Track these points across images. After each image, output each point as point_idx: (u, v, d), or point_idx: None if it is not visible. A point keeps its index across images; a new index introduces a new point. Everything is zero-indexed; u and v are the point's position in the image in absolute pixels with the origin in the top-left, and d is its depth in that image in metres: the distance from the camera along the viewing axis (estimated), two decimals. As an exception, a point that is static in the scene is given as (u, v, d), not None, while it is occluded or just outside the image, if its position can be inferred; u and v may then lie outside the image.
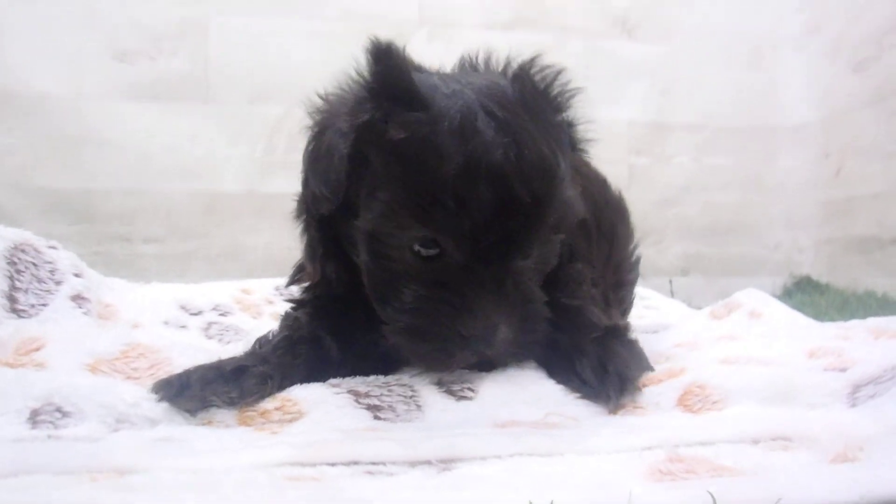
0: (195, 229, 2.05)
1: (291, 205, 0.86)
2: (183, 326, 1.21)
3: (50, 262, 1.09)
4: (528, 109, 0.73)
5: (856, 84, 1.96)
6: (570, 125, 0.86)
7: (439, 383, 0.76)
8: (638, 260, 1.16)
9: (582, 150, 0.93)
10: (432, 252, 0.71)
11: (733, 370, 0.77)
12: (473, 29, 2.11)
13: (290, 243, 2.03)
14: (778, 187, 2.23)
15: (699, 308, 1.56)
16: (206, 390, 0.69)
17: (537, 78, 0.78)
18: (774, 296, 2.17)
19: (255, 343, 0.84)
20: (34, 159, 1.98)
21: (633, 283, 1.15)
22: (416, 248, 0.71)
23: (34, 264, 1.08)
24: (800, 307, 1.48)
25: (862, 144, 1.94)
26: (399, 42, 0.74)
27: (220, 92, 2.09)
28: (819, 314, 1.69)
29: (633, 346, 0.81)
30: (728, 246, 2.21)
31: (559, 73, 0.80)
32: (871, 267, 1.90)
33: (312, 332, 0.81)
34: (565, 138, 0.80)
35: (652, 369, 0.80)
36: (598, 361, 0.74)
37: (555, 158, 0.71)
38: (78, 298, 1.08)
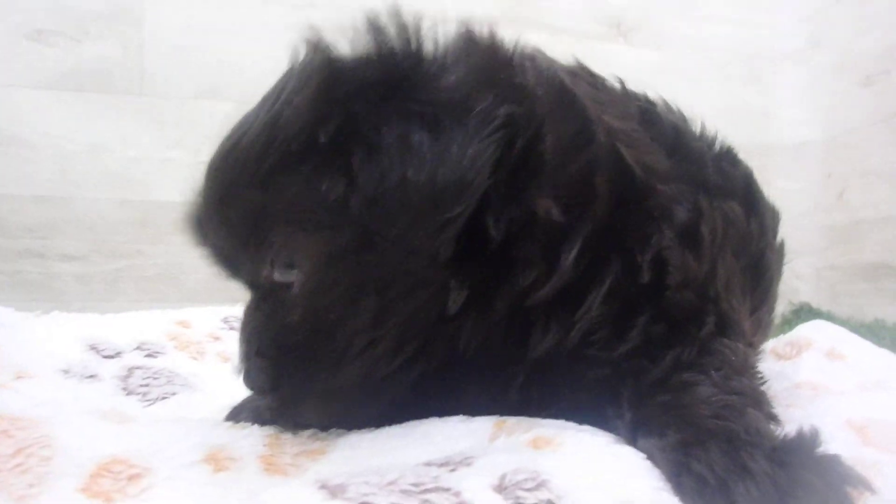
0: (125, 246, 1.73)
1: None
2: (92, 376, 0.89)
3: None
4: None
5: (862, 100, 1.84)
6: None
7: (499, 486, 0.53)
8: None
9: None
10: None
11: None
12: (453, 24, 1.89)
13: (239, 263, 1.78)
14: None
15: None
16: None
17: None
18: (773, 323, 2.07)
19: None
20: (-76, 158, 1.65)
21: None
22: None
23: None
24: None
25: (868, 165, 1.82)
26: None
27: (157, 83, 1.79)
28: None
29: (834, 467, 0.47)
30: (722, 270, 2.08)
31: None
32: (878, 295, 1.79)
33: None
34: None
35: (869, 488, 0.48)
36: (777, 495, 0.43)
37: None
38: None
